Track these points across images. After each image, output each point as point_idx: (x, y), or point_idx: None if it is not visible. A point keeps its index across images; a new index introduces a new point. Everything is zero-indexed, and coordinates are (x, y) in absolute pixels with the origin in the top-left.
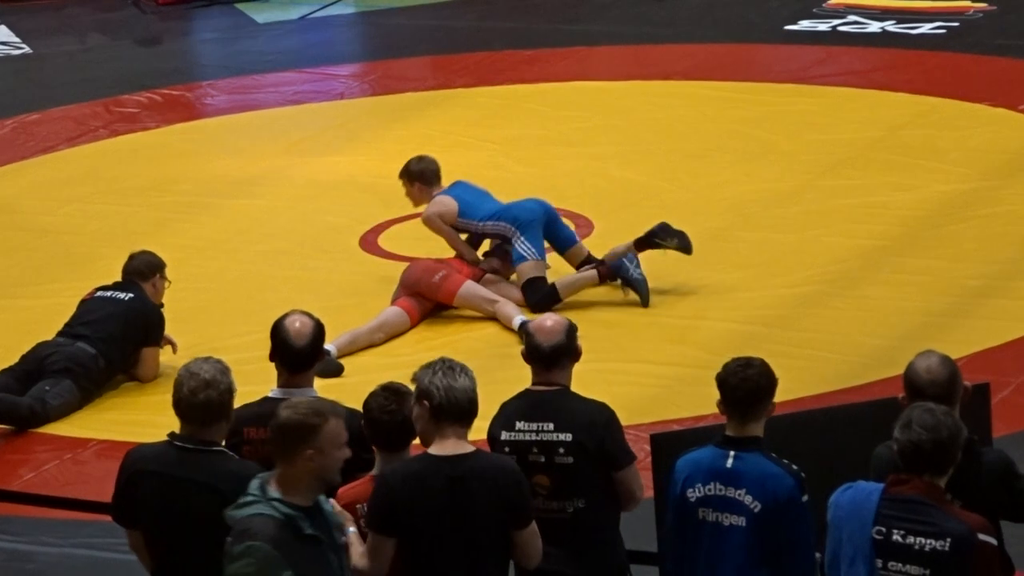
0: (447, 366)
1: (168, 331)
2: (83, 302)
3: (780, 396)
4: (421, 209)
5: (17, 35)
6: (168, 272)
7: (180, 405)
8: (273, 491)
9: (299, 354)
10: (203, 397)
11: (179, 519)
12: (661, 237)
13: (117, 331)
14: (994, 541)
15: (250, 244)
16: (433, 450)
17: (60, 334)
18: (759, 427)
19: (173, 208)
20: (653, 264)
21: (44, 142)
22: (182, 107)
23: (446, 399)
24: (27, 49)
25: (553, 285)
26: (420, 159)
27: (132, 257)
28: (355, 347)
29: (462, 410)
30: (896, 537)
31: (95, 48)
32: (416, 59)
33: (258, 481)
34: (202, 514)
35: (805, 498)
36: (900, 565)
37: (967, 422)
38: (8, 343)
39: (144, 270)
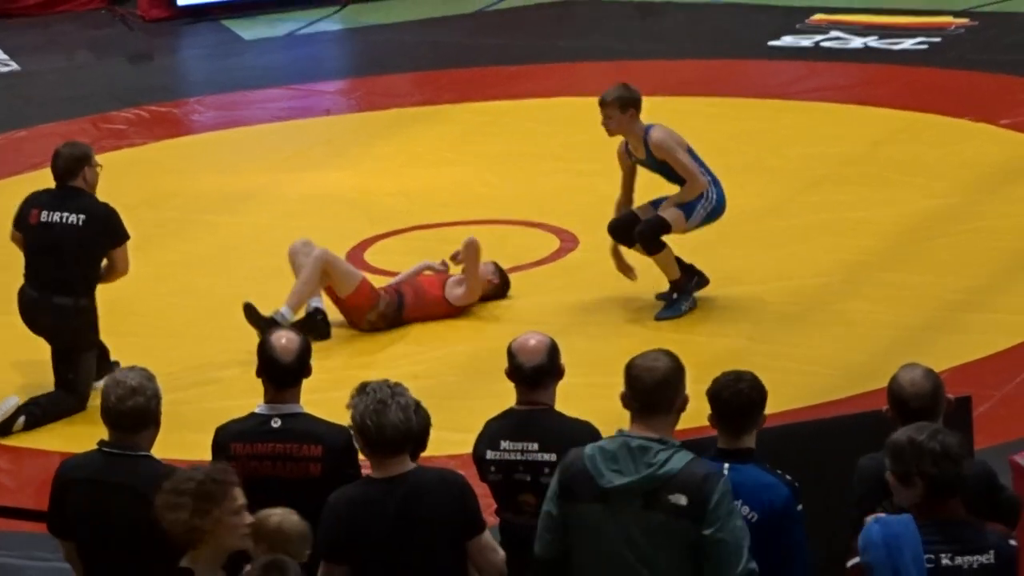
0: (379, 400)
1: (157, 346)
2: (34, 231)
3: (765, 410)
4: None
5: (5, 52)
6: (156, 288)
7: (109, 414)
8: (671, 440)
9: (286, 370)
10: (131, 404)
11: (106, 524)
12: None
13: (81, 258)
14: (1016, 543)
15: (238, 260)
16: (375, 473)
17: (30, 281)
18: (752, 439)
19: (161, 224)
20: (641, 280)
21: (32, 159)
22: (170, 124)
23: (377, 437)
24: (15, 66)
25: (667, 247)
26: (629, 87)
27: (56, 155)
28: (304, 297)
29: (396, 445)
30: (945, 561)
31: (83, 65)
32: (402, 75)
33: (639, 440)
34: (127, 518)
35: (800, 507)
36: None
37: None
38: (5, 356)
39: (70, 168)
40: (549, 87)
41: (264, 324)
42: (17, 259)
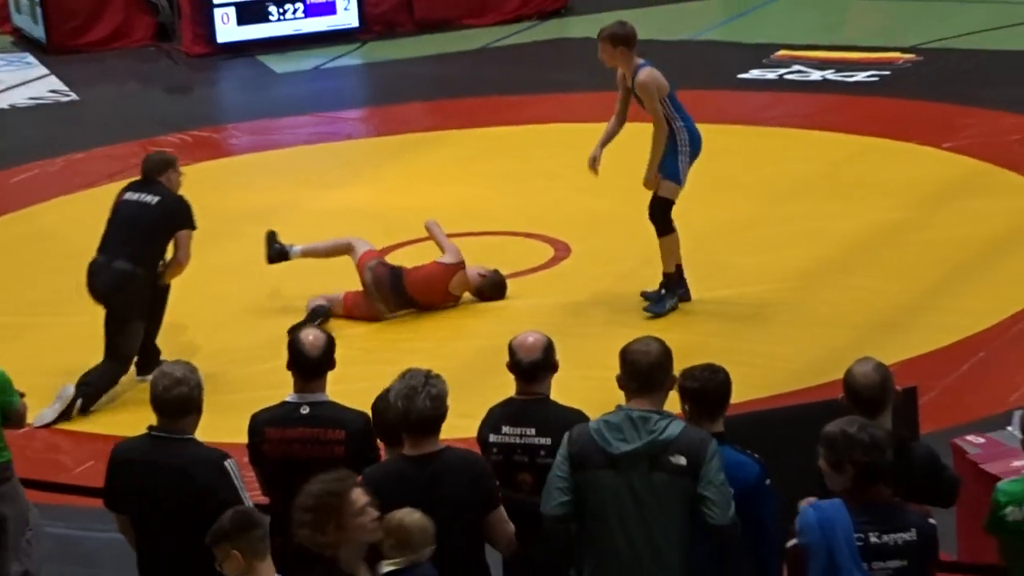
0: (411, 387)
1: (192, 343)
2: (116, 209)
3: (735, 398)
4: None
5: (65, 84)
6: (193, 291)
7: (156, 401)
8: (666, 411)
9: (313, 363)
10: (175, 393)
11: (155, 499)
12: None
13: (149, 232)
14: (935, 523)
15: (267, 267)
16: (408, 451)
17: (100, 250)
18: (721, 424)
19: (201, 235)
20: (626, 285)
21: (88, 178)
22: (209, 147)
23: (404, 419)
24: (74, 96)
25: (675, 233)
26: (623, 23)
27: (146, 158)
28: (315, 252)
29: (421, 428)
30: (873, 539)
31: (133, 95)
32: (415, 104)
33: (639, 412)
34: (174, 494)
35: (768, 482)
36: (882, 563)
37: (898, 421)
38: (54, 350)
39: (157, 168)
40: (544, 114)
41: (274, 247)
42: (57, 269)
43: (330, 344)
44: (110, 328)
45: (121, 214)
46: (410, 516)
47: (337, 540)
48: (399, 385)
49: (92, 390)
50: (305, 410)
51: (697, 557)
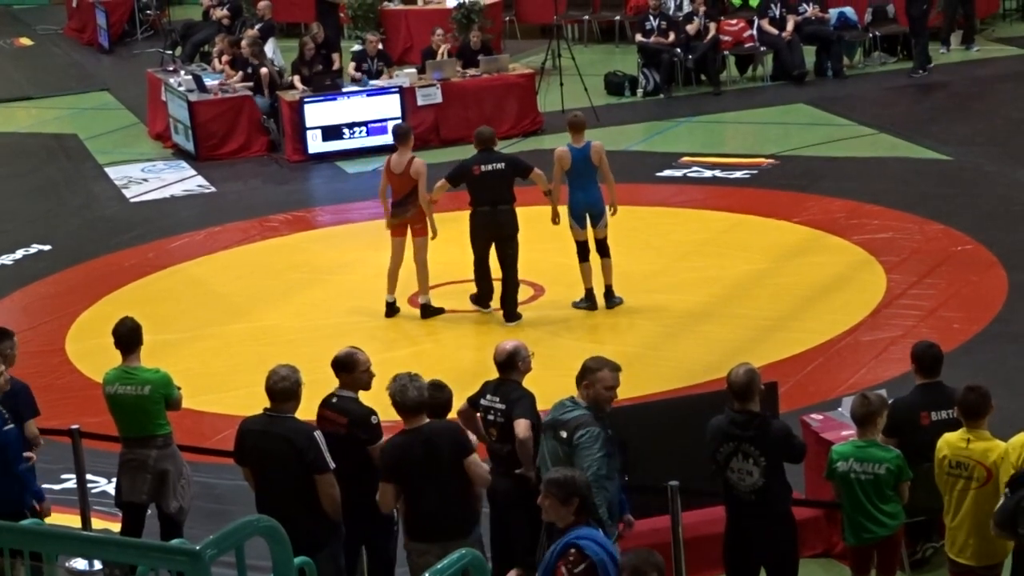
0: (402, 384)
1: (294, 351)
2: (477, 178)
3: (655, 389)
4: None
5: (208, 181)
6: (292, 321)
7: (269, 391)
8: (581, 404)
9: (337, 368)
10: (282, 385)
11: (267, 458)
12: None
13: (507, 185)
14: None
15: (343, 302)
16: (406, 427)
17: (483, 204)
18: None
19: (297, 282)
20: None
21: (223, 244)
22: (304, 222)
23: (402, 405)
24: (213, 189)
25: (586, 263)
26: (573, 115)
27: (481, 130)
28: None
29: (414, 410)
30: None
31: (253, 188)
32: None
33: (568, 400)
34: (280, 454)
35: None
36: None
37: (764, 405)
38: (199, 357)
39: (489, 141)
40: (525, 200)
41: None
42: (202, 303)
43: (360, 356)
44: (504, 247)
45: (486, 180)
46: None
47: None
48: (394, 384)
49: (513, 292)
50: (335, 400)
51: None
